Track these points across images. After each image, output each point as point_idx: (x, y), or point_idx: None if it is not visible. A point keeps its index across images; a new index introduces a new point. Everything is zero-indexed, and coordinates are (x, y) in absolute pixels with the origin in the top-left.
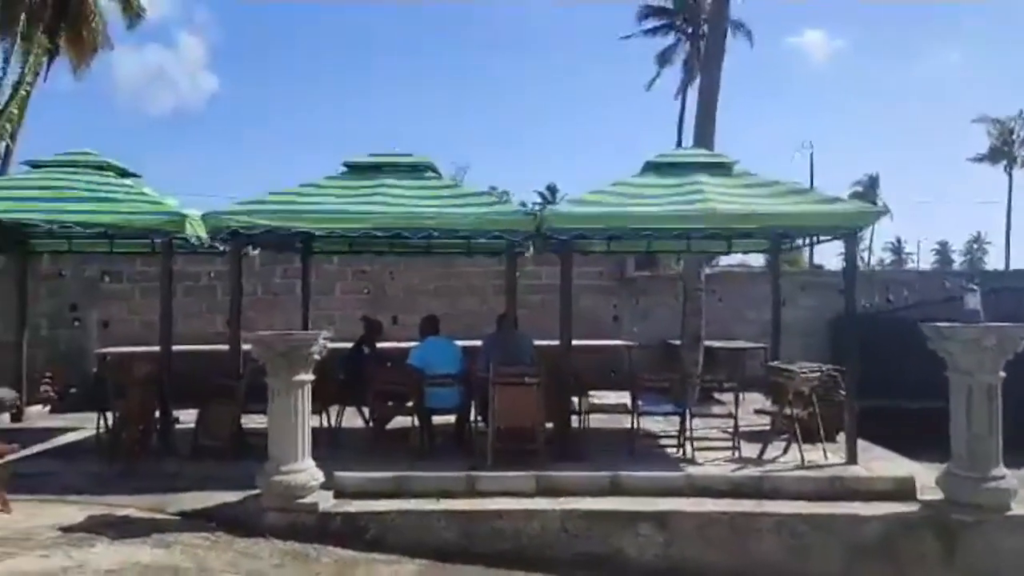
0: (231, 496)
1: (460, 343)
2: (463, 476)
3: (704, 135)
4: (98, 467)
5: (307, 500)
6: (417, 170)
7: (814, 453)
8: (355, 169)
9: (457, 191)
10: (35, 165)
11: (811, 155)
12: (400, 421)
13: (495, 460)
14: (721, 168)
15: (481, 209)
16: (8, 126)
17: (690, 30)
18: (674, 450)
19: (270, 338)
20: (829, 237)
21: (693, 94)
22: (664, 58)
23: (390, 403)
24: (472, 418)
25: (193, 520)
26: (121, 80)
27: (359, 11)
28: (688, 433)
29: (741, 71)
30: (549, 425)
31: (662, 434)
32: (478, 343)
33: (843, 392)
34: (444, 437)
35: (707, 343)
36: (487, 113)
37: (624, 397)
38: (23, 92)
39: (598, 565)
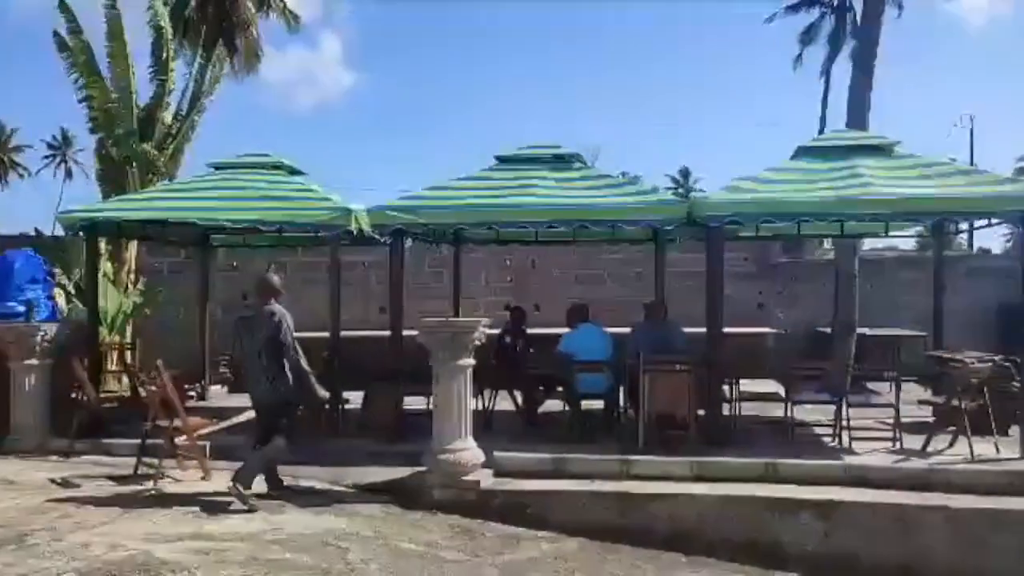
0: (398, 472)
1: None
2: (619, 459)
3: (858, 114)
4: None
5: (470, 478)
6: (566, 161)
7: (984, 447)
8: (506, 162)
9: (607, 181)
10: (217, 167)
11: (971, 130)
12: (549, 405)
13: (646, 445)
14: (880, 151)
15: (633, 198)
16: (191, 133)
17: (835, 2)
18: (830, 439)
19: (435, 325)
20: (999, 221)
21: (837, 71)
22: (808, 36)
23: (541, 388)
24: (621, 404)
25: (366, 493)
26: (266, 80)
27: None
28: (845, 422)
29: (892, 42)
30: (700, 412)
31: (816, 423)
32: (623, 330)
33: (1017, 384)
34: (593, 422)
35: (860, 331)
36: (618, 97)
37: (772, 385)
38: (204, 101)
39: (756, 552)
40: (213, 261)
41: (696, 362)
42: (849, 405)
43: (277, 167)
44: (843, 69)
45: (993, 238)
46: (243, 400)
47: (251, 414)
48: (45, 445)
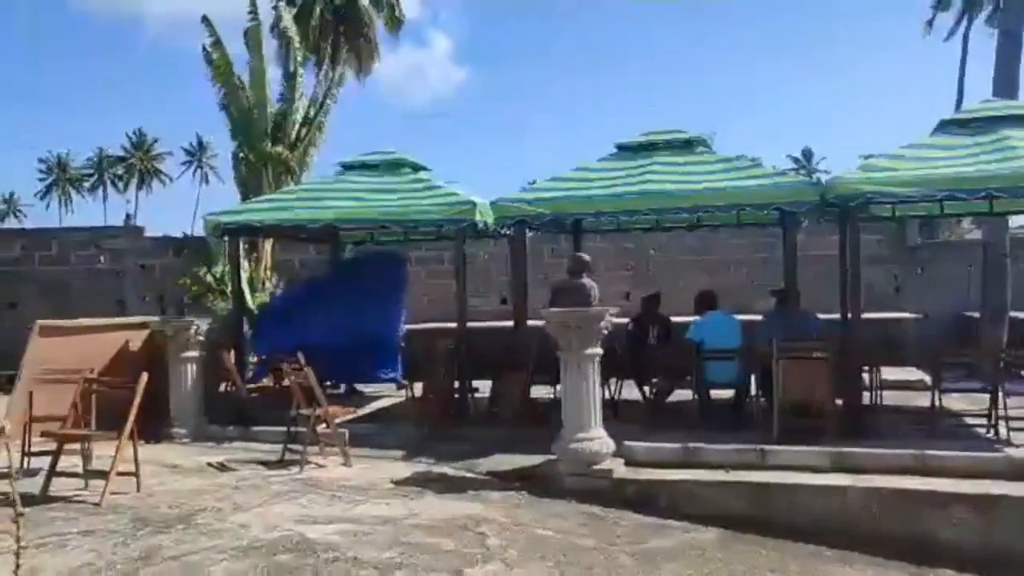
0: (528, 460)
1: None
2: (754, 449)
3: (1006, 83)
4: (411, 430)
5: (601, 466)
6: (689, 146)
7: None
8: (626, 150)
9: (732, 164)
10: (346, 166)
11: None
12: (677, 395)
13: (781, 435)
14: None
15: (762, 181)
16: (318, 134)
17: None
18: (983, 430)
19: (564, 315)
20: None
21: (976, 37)
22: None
23: (671, 377)
24: (752, 393)
25: (499, 480)
26: (382, 80)
27: None
28: (1002, 412)
29: None
30: (838, 402)
31: (966, 412)
32: (750, 318)
33: None
34: (722, 412)
35: (1013, 314)
36: (734, 78)
37: (913, 373)
38: (329, 103)
39: (906, 547)
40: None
41: (832, 349)
42: (1006, 394)
43: (401, 164)
44: (980, 39)
45: None
46: (376, 388)
47: (382, 403)
48: (201, 433)
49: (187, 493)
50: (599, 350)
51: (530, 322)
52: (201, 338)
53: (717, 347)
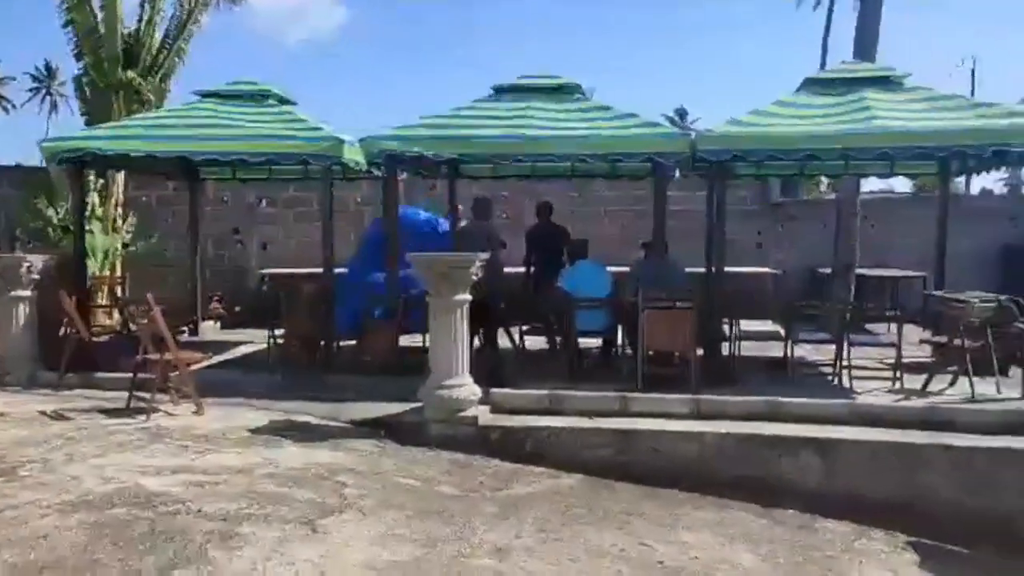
0: (394, 408)
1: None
2: (618, 396)
3: (866, 46)
4: (272, 377)
5: (467, 414)
6: (565, 92)
7: (985, 387)
8: (504, 92)
9: (607, 113)
10: (204, 95)
11: (972, 71)
12: (542, 343)
13: (645, 383)
14: (889, 83)
15: (634, 131)
16: (178, 61)
17: None
18: (830, 379)
19: (431, 259)
20: (1004, 164)
21: (840, 6)
22: None
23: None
24: (619, 342)
25: (362, 428)
26: (260, 15)
27: None
28: (845, 362)
29: None
30: (699, 351)
31: (816, 363)
32: (622, 269)
33: (1021, 324)
34: (590, 360)
35: (858, 271)
36: (609, 36)
37: (771, 325)
38: (193, 28)
39: (756, 489)
40: (202, 194)
41: (696, 300)
42: (850, 345)
43: (265, 95)
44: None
45: (991, 182)
46: (236, 335)
47: (244, 349)
48: (35, 378)
49: (11, 443)
50: (467, 296)
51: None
52: (36, 276)
53: (588, 296)
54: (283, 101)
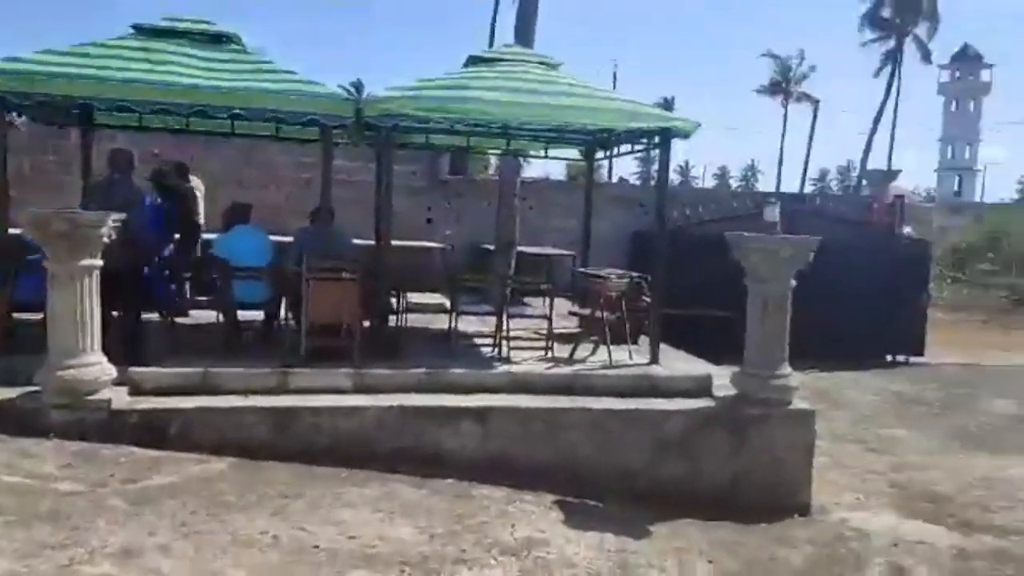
0: (3, 393)
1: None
2: (275, 372)
3: (525, 34)
4: None
5: (98, 397)
6: (219, 41)
7: (620, 354)
8: (145, 33)
9: (266, 67)
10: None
11: (614, 74)
12: (204, 316)
13: (309, 357)
14: (546, 67)
15: (293, 87)
16: None
17: None
18: (490, 349)
19: (47, 217)
20: (643, 147)
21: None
22: None
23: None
24: (282, 315)
25: None
26: None
27: None
28: (504, 333)
29: None
30: (366, 323)
31: (478, 334)
32: (289, 239)
33: (648, 298)
34: (252, 334)
35: (519, 248)
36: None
37: (439, 298)
38: None
39: (419, 461)
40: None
41: (363, 271)
42: (509, 316)
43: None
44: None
45: (627, 174)
46: None
47: None
48: None
49: None
50: (98, 261)
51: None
52: None
53: (245, 264)
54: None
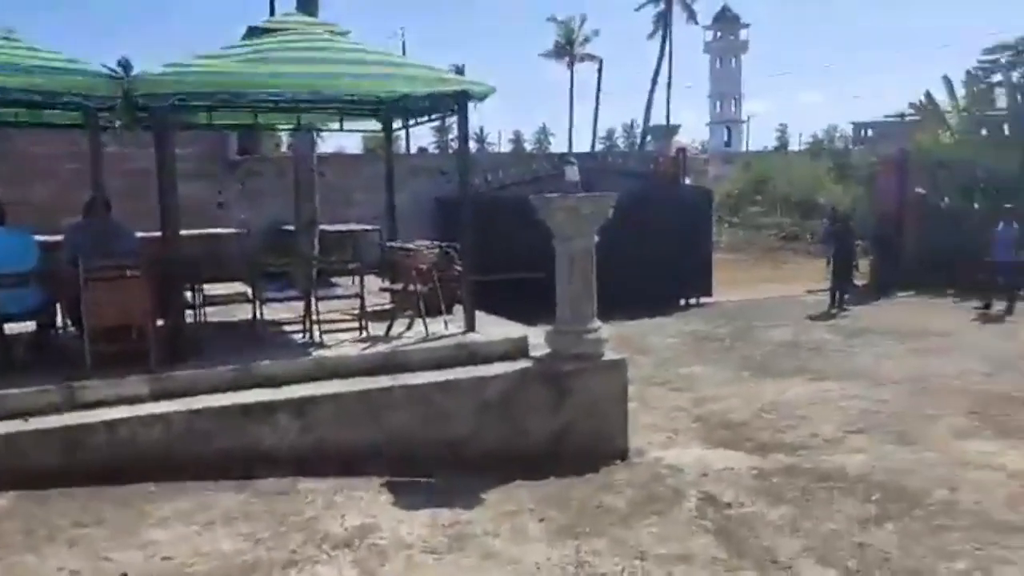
0: None
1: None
2: (59, 388)
3: (308, 5)
4: None
5: None
6: None
7: (436, 325)
8: None
9: (17, 44)
10: None
11: (403, 43)
12: None
13: (96, 366)
14: (335, 34)
15: (48, 63)
16: None
17: None
18: (301, 336)
19: None
20: (440, 114)
21: None
22: None
23: None
24: (59, 323)
25: None
26: None
27: None
28: (315, 317)
29: None
30: (160, 322)
31: (287, 321)
32: (56, 238)
33: (459, 267)
34: (24, 348)
35: (321, 227)
36: None
37: (240, 287)
38: None
39: (236, 463)
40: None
41: (148, 266)
42: (318, 299)
43: None
44: None
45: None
46: None
47: None
48: None
49: None
50: None
51: None
52: None
53: (3, 271)
54: None
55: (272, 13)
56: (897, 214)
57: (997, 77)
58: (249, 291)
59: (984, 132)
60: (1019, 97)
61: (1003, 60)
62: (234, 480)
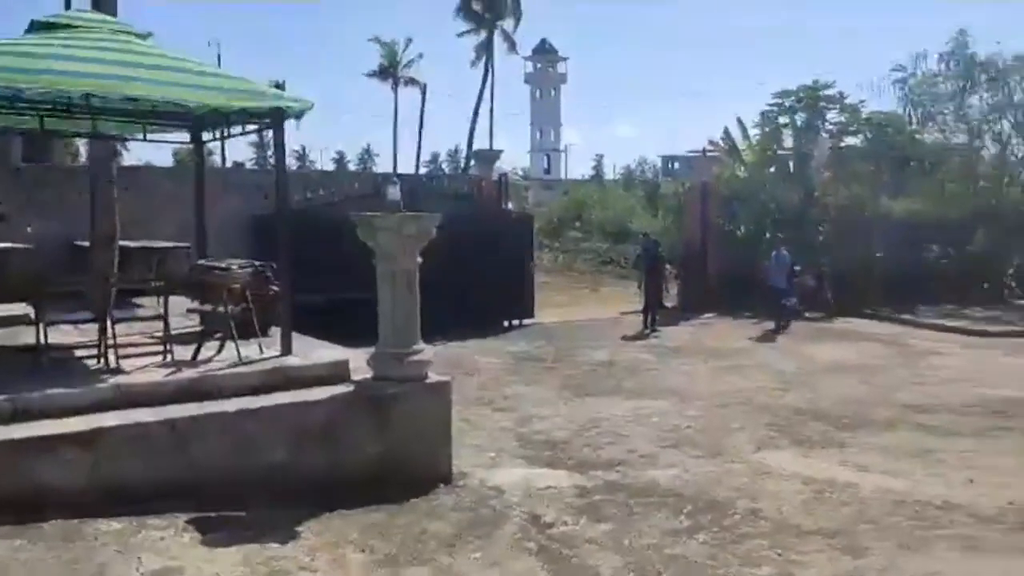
0: None
1: None
2: None
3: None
4: None
5: None
6: None
7: (250, 349)
8: None
9: None
10: None
11: (218, 55)
12: None
13: None
14: (133, 36)
15: None
16: None
17: None
18: (95, 361)
19: None
20: (256, 127)
21: None
22: None
23: None
24: None
25: None
26: None
27: None
28: (111, 340)
29: None
30: None
31: (78, 345)
32: None
33: (275, 287)
34: None
35: (122, 243)
36: None
37: (23, 308)
38: None
39: (13, 506)
40: None
41: None
42: (115, 321)
43: None
44: None
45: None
46: None
47: None
48: None
49: None
50: None
51: None
52: None
53: None
54: None
55: (68, 7)
56: (701, 241)
57: (784, 119)
58: (32, 313)
59: (772, 169)
60: (801, 139)
61: (786, 104)
62: (6, 526)
